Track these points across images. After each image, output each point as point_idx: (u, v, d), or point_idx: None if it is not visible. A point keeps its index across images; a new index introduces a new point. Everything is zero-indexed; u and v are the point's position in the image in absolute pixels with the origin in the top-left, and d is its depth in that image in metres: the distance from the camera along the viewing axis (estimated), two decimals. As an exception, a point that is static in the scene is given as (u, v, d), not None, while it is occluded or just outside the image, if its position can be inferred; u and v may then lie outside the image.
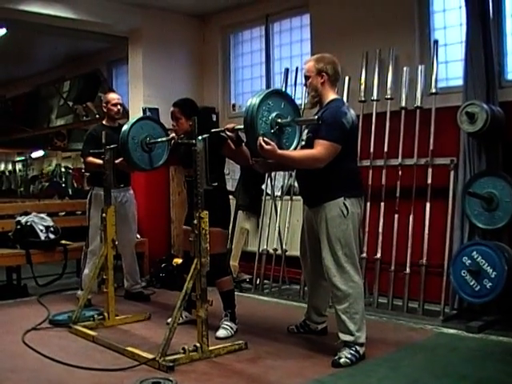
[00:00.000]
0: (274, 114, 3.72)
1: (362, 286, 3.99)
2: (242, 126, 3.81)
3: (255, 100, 3.67)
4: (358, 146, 4.16)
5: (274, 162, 4.17)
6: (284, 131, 3.79)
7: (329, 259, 3.87)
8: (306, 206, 4.17)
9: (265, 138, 3.63)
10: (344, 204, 3.84)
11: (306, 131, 4.05)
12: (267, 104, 3.70)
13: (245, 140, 4.15)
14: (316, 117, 3.76)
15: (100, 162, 5.17)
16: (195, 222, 3.87)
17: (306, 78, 4.06)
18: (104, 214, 4.93)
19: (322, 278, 4.13)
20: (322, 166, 3.77)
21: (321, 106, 4.03)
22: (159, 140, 4.81)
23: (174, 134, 4.70)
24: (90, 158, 5.48)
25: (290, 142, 3.86)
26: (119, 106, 5.72)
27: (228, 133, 4.22)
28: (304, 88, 4.15)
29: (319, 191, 3.94)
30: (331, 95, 4.00)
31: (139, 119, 4.93)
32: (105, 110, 5.75)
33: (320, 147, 3.76)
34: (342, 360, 3.76)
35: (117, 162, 5.03)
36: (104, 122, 5.76)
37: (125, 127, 4.79)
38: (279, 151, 3.71)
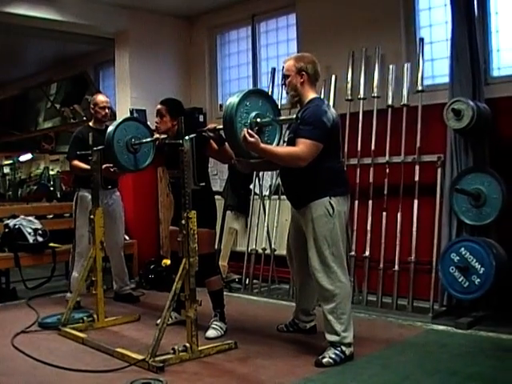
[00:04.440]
0: (252, 115, 3.71)
1: (349, 286, 3.97)
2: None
3: (233, 100, 3.67)
4: (340, 144, 4.15)
5: (256, 162, 4.17)
6: (264, 131, 3.79)
7: (315, 259, 3.84)
8: (293, 207, 4.16)
9: (249, 131, 3.63)
10: (330, 203, 3.82)
11: (287, 132, 4.04)
12: (245, 106, 3.70)
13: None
14: (295, 115, 3.76)
15: (86, 166, 5.16)
16: (183, 222, 3.87)
17: (286, 76, 4.03)
18: (92, 216, 4.91)
19: (309, 279, 4.08)
20: (303, 164, 3.73)
21: (301, 106, 4.01)
22: (144, 141, 4.81)
23: (158, 135, 4.71)
24: (76, 162, 5.45)
25: (271, 140, 3.87)
26: (107, 110, 5.65)
27: (209, 133, 4.23)
28: (283, 87, 4.14)
29: (304, 192, 3.91)
30: (311, 94, 3.98)
31: (122, 121, 4.89)
32: (92, 111, 5.69)
33: (302, 145, 3.73)
34: (324, 360, 3.75)
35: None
36: (90, 124, 5.71)
37: (109, 130, 4.76)
38: (262, 145, 3.69)
